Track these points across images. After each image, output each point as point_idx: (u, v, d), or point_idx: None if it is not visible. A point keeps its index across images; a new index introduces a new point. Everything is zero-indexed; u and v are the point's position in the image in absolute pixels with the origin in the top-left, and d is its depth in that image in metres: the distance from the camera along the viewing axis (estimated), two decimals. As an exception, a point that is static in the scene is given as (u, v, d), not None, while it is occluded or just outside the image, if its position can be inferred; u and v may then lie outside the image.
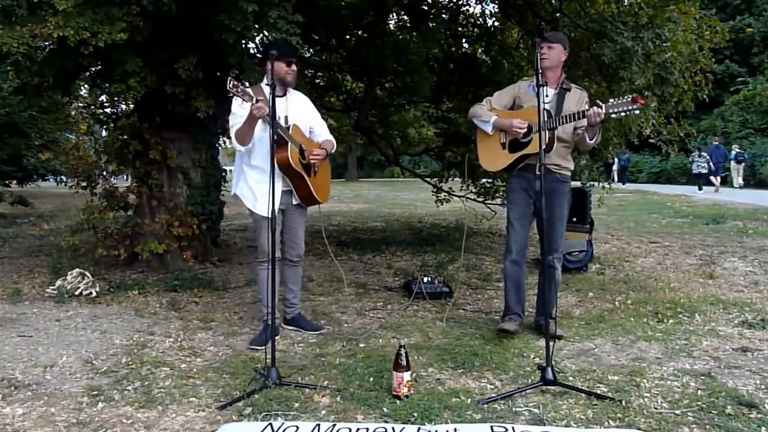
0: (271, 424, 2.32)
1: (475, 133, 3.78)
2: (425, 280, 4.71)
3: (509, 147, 3.53)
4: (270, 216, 2.93)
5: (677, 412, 2.48)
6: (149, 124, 5.47)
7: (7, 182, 12.67)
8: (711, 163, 18.38)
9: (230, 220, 9.33)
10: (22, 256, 6.41)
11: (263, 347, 3.13)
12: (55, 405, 2.57)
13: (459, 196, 7.43)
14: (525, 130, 3.40)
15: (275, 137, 3.22)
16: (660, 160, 25.91)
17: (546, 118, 3.30)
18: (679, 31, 5.50)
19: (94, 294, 4.53)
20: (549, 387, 2.67)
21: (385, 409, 2.51)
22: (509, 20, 7.06)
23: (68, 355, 3.24)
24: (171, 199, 5.56)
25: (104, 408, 2.55)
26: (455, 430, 2.28)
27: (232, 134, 3.38)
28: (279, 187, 3.43)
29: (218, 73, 5.40)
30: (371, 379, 2.84)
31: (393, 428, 2.29)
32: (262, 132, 3.32)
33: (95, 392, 2.70)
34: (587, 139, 3.43)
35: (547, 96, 3.39)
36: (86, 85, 6.30)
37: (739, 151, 19.89)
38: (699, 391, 2.70)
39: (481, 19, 7.71)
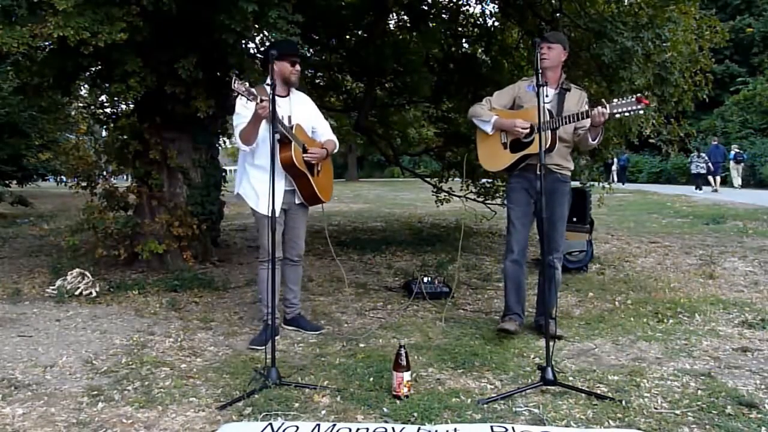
0: (271, 424, 2.32)
1: (474, 133, 3.78)
2: (425, 280, 4.71)
3: (511, 147, 3.53)
4: (270, 214, 2.93)
5: (677, 412, 2.48)
6: (149, 124, 5.47)
7: (7, 182, 12.67)
8: (710, 164, 18.39)
9: (230, 220, 9.33)
10: (22, 256, 6.41)
11: (263, 347, 3.13)
12: (55, 405, 2.57)
13: (459, 196, 7.43)
14: (528, 130, 3.40)
15: (279, 137, 3.24)
16: (660, 160, 25.92)
17: (548, 118, 3.31)
18: (679, 31, 5.50)
19: (94, 294, 4.53)
20: (549, 387, 2.67)
21: (385, 409, 2.51)
22: (509, 20, 7.06)
23: (68, 355, 3.24)
24: (171, 199, 5.56)
25: (104, 408, 2.55)
26: (455, 430, 2.28)
27: (237, 134, 3.38)
28: (282, 186, 3.45)
29: (218, 73, 5.40)
30: (371, 379, 2.84)
31: (393, 428, 2.29)
32: (265, 132, 3.33)
33: (95, 392, 2.70)
34: (590, 139, 3.43)
35: (547, 96, 3.40)
36: (86, 85, 6.30)
37: (738, 151, 19.89)
38: (699, 391, 2.70)
39: (481, 19, 7.72)
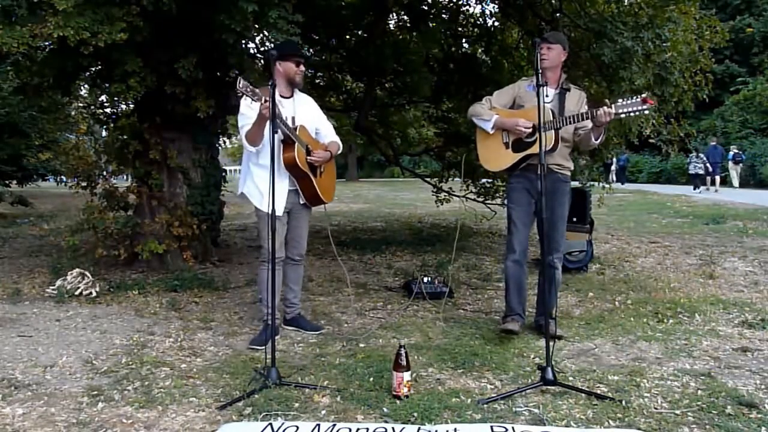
0: (271, 424, 2.32)
1: (474, 133, 3.77)
2: (425, 280, 4.71)
3: (513, 146, 3.52)
4: (270, 213, 2.93)
5: (677, 412, 2.48)
6: (149, 124, 5.47)
7: (7, 182, 12.67)
8: (708, 164, 18.40)
9: (230, 220, 9.33)
10: (22, 256, 6.41)
11: (263, 347, 3.13)
12: (55, 405, 2.57)
13: (459, 196, 7.43)
14: (530, 130, 3.39)
15: (282, 137, 3.27)
16: (660, 160, 25.91)
17: (551, 118, 3.31)
18: (679, 31, 5.50)
19: (94, 294, 4.53)
20: (549, 387, 2.67)
21: (385, 409, 2.51)
22: (509, 20, 7.06)
23: (68, 355, 3.24)
24: (171, 199, 5.56)
25: (104, 408, 2.55)
26: (455, 430, 2.28)
27: (242, 135, 3.40)
28: (285, 186, 3.47)
29: (218, 73, 5.40)
30: (371, 379, 2.84)
31: (393, 428, 2.29)
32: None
33: (95, 392, 2.70)
34: (592, 138, 3.44)
35: (547, 96, 3.40)
36: (86, 85, 6.30)
37: (737, 152, 19.89)
38: (699, 391, 2.70)
39: (481, 19, 7.72)
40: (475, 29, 7.64)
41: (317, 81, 8.14)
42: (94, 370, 3.02)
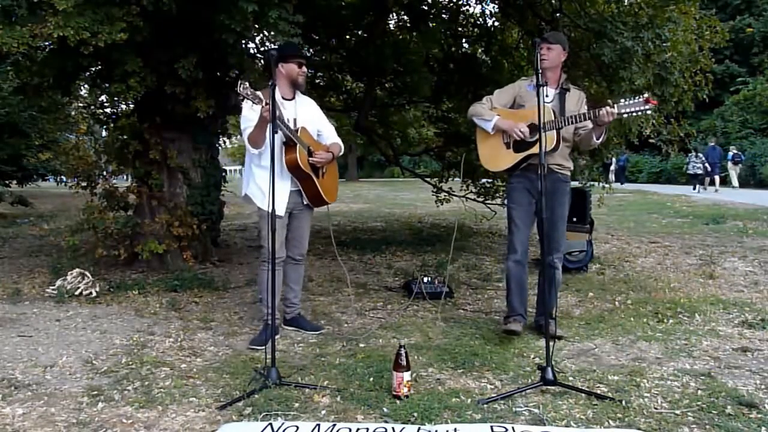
0: (271, 424, 2.32)
1: (475, 133, 3.77)
2: (425, 280, 4.71)
3: (514, 147, 3.51)
4: (270, 212, 2.94)
5: (677, 412, 2.48)
6: (149, 124, 5.47)
7: (7, 182, 12.66)
8: (706, 164, 18.41)
9: (230, 220, 9.32)
10: (22, 256, 6.41)
11: (263, 347, 3.13)
12: (55, 405, 2.57)
13: (459, 196, 7.43)
14: (527, 137, 3.38)
15: (284, 139, 3.30)
16: (660, 160, 25.90)
17: (552, 118, 3.31)
18: (679, 31, 5.50)
19: (94, 294, 4.53)
20: (549, 387, 2.67)
21: (385, 409, 2.51)
22: (509, 20, 7.06)
23: (68, 355, 3.24)
24: (171, 199, 5.56)
25: (104, 408, 2.55)
26: (455, 430, 2.28)
27: (245, 138, 3.41)
28: (288, 187, 3.49)
29: (218, 73, 5.40)
30: (371, 379, 2.84)
31: (393, 428, 2.29)
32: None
33: (95, 392, 2.70)
34: (593, 138, 3.44)
35: (547, 96, 3.40)
36: (86, 85, 6.30)
37: (736, 152, 19.89)
38: (699, 391, 2.70)
39: (481, 19, 7.72)
40: (475, 29, 7.64)
41: (317, 81, 8.14)
42: (94, 370, 3.02)
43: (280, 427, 2.28)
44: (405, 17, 7.78)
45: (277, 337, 3.23)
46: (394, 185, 25.76)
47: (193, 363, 3.15)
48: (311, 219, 3.81)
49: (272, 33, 4.30)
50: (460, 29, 7.63)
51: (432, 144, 9.20)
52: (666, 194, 16.66)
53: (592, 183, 6.59)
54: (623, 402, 2.55)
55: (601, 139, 3.48)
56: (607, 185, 7.04)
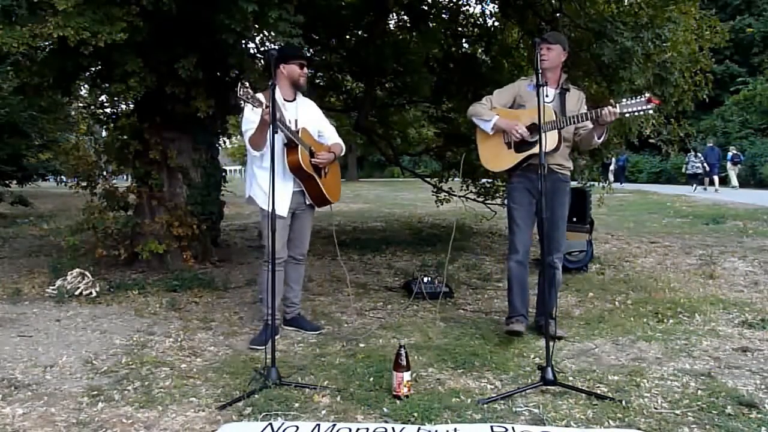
0: (271, 424, 2.32)
1: (474, 133, 3.76)
2: (425, 280, 4.71)
3: (515, 147, 3.50)
4: (270, 212, 2.94)
5: (677, 412, 2.48)
6: (149, 124, 5.47)
7: (7, 182, 12.65)
8: (705, 164, 18.43)
9: (230, 220, 9.32)
10: (22, 256, 6.41)
11: (263, 347, 3.13)
12: (55, 405, 2.57)
13: (459, 196, 7.43)
14: (527, 137, 3.38)
15: (286, 140, 3.32)
16: (660, 160, 25.90)
17: (554, 118, 3.31)
18: (679, 31, 5.50)
19: (94, 294, 4.53)
20: (549, 387, 2.67)
21: (385, 409, 2.51)
22: (509, 20, 7.05)
23: (68, 355, 3.24)
24: (171, 199, 5.56)
25: (104, 408, 2.55)
26: (455, 430, 2.28)
27: (246, 140, 3.42)
28: (291, 187, 3.50)
29: (218, 73, 5.40)
30: (371, 379, 2.84)
31: (393, 428, 2.30)
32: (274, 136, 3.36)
33: (95, 392, 2.70)
34: (595, 137, 3.44)
35: (548, 96, 3.40)
36: (86, 85, 6.30)
37: (735, 152, 19.90)
38: (699, 391, 2.70)
39: (481, 19, 7.72)
40: (475, 29, 7.64)
41: (317, 81, 8.14)
42: (94, 370, 3.02)
43: (280, 427, 2.28)
44: (405, 17, 7.78)
45: (277, 337, 3.23)
46: (394, 185, 25.76)
47: (193, 363, 3.15)
48: (313, 219, 3.82)
49: (272, 33, 4.30)
50: (460, 29, 7.63)
51: (432, 144, 9.20)
52: (666, 194, 16.66)
53: (592, 183, 6.59)
54: (623, 402, 2.55)
55: (602, 139, 3.48)
56: (607, 185, 7.04)
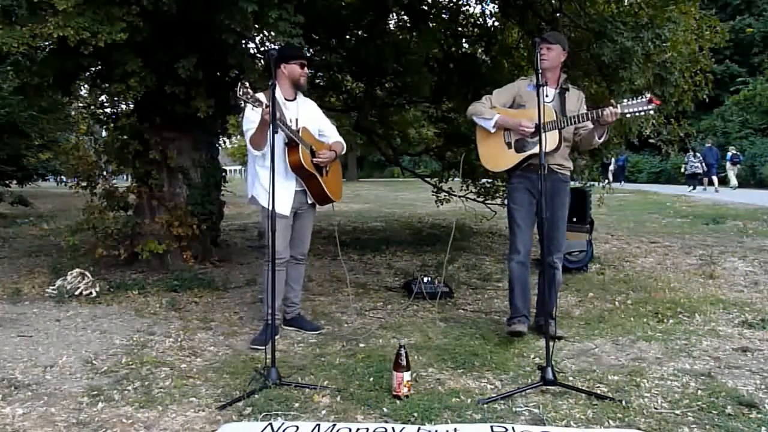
0: (271, 424, 2.32)
1: (474, 132, 3.76)
2: (425, 280, 4.71)
3: (515, 147, 3.50)
4: (270, 212, 2.94)
5: (677, 412, 2.48)
6: (149, 124, 5.47)
7: (7, 182, 12.65)
8: (703, 164, 18.44)
9: (230, 220, 9.32)
10: (22, 256, 6.41)
11: (264, 347, 3.13)
12: (55, 405, 2.57)
13: (459, 196, 7.43)
14: (533, 129, 3.37)
15: (286, 140, 3.33)
16: (660, 160, 25.89)
17: (554, 118, 3.31)
18: (679, 31, 5.49)
19: (94, 294, 4.53)
20: (549, 387, 2.67)
21: (385, 409, 2.51)
22: (509, 20, 7.05)
23: (68, 355, 3.24)
24: (171, 199, 5.56)
25: (104, 408, 2.55)
26: (455, 430, 2.28)
27: (247, 139, 3.42)
28: (293, 187, 3.51)
29: (218, 73, 5.40)
30: (371, 379, 2.84)
31: (393, 428, 2.29)
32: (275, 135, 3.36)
33: (95, 392, 2.70)
34: (595, 137, 3.43)
35: (547, 96, 3.40)
36: (86, 85, 6.30)
37: (734, 152, 19.90)
38: (699, 391, 2.70)
39: (481, 19, 7.71)
40: (475, 29, 7.63)
41: (317, 81, 8.14)
42: (94, 370, 3.02)
43: (280, 427, 2.28)
44: (405, 17, 7.77)
45: (277, 337, 3.23)
46: (394, 185, 25.77)
47: (193, 363, 3.15)
48: (314, 219, 3.82)
49: (272, 33, 4.30)
50: (460, 29, 7.63)
51: (432, 144, 9.19)
52: (666, 194, 16.67)
53: (592, 183, 6.59)
54: (623, 402, 2.55)
55: (602, 139, 3.48)
56: (607, 185, 7.03)
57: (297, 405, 2.55)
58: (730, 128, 24.26)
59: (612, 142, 6.22)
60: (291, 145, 3.40)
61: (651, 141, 6.61)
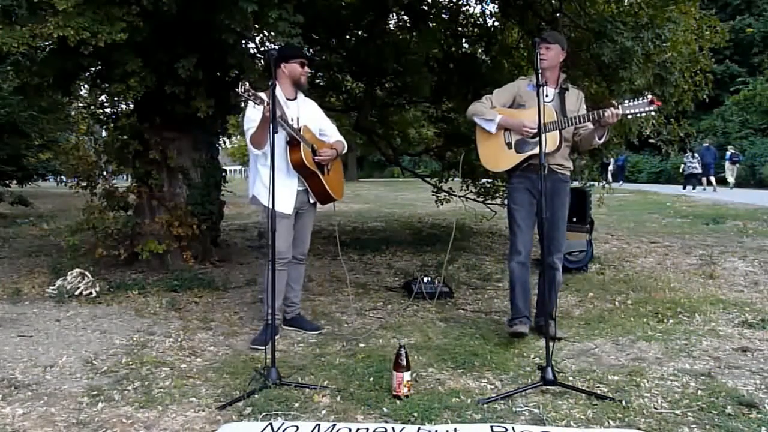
0: (271, 424, 2.32)
1: (474, 132, 3.75)
2: (425, 280, 4.70)
3: (516, 147, 3.50)
4: (270, 212, 2.94)
5: (677, 412, 2.48)
6: (149, 124, 5.47)
7: (7, 182, 12.65)
8: (700, 164, 18.47)
9: (230, 220, 9.32)
10: (22, 256, 6.41)
11: (264, 347, 3.13)
12: (55, 405, 2.57)
13: (459, 196, 7.43)
14: (536, 131, 3.37)
15: (288, 138, 3.34)
16: (660, 160, 25.90)
17: (555, 118, 3.31)
18: (679, 31, 5.49)
19: (94, 294, 4.53)
20: (549, 387, 2.67)
21: (385, 409, 2.51)
22: (509, 20, 7.05)
23: (68, 355, 3.24)
24: (171, 199, 5.56)
25: (104, 408, 2.55)
26: (455, 430, 2.28)
27: (248, 139, 3.42)
28: (295, 186, 3.51)
29: (218, 73, 5.40)
30: (371, 379, 2.84)
31: (393, 428, 2.29)
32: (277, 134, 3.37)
33: (95, 392, 2.70)
34: (596, 137, 3.43)
35: (547, 96, 3.39)
36: (86, 85, 6.30)
37: (734, 152, 19.90)
38: (699, 391, 2.70)
39: (481, 19, 7.71)
40: (475, 29, 7.63)
41: (317, 81, 8.14)
42: (94, 370, 3.02)
43: (280, 427, 2.28)
44: (405, 17, 7.77)
45: (277, 337, 3.23)
46: (394, 185, 25.77)
47: (193, 363, 3.15)
48: (315, 218, 3.82)
49: (272, 33, 4.30)
50: (460, 29, 7.62)
51: (432, 144, 9.19)
52: (666, 194, 16.67)
53: (592, 183, 6.59)
54: (623, 402, 2.55)
55: (603, 139, 3.48)
56: (607, 185, 7.03)
57: (297, 405, 2.55)
58: (730, 128, 24.26)
59: (612, 142, 6.22)
60: (292, 143, 3.40)
61: (651, 141, 6.61)
